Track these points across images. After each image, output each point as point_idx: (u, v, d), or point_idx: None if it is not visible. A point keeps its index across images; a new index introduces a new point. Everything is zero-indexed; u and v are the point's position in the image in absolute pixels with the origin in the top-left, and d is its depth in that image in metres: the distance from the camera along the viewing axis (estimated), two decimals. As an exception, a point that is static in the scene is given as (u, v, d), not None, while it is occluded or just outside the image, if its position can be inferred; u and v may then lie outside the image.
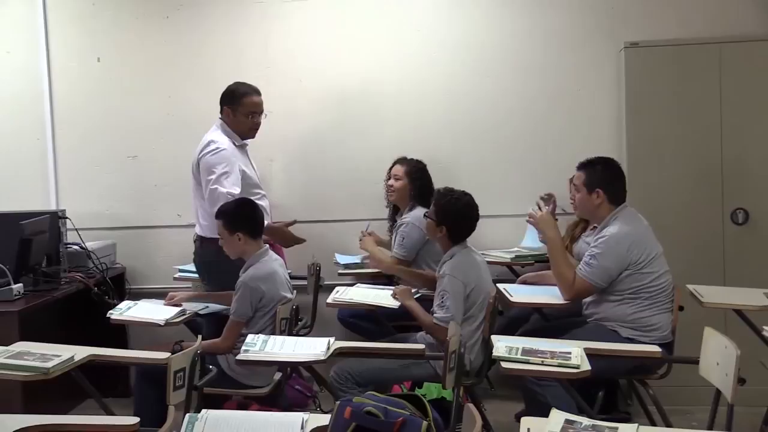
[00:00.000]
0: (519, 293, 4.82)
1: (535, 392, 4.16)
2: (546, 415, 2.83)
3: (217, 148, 5.09)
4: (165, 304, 4.88)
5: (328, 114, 6.08)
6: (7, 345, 3.84)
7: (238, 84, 5.31)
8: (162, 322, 4.58)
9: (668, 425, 4.11)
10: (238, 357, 3.83)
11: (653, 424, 4.32)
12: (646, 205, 4.94)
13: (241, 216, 4.71)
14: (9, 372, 3.52)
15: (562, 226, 5.17)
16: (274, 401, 4.73)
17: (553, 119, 6.01)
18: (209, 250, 5.07)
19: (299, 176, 6.02)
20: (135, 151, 6.29)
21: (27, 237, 5.06)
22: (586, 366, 3.48)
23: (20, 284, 4.99)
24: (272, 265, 4.68)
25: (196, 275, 5.59)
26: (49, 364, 3.51)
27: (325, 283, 5.63)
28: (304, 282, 5.51)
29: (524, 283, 5.12)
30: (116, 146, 6.29)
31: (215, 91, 6.05)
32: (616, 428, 2.70)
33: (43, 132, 6.30)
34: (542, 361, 3.50)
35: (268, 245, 4.80)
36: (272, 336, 4.06)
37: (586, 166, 4.65)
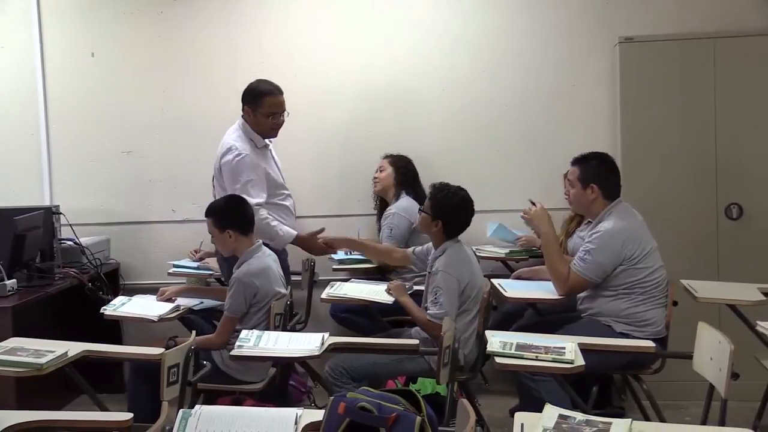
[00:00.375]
0: (513, 288, 4.82)
1: (530, 387, 4.16)
2: (540, 410, 2.83)
3: (239, 154, 5.01)
4: (157, 300, 4.87)
5: (324, 110, 6.07)
6: (0, 341, 3.83)
7: (259, 82, 5.19)
8: (155, 318, 4.58)
9: (662, 420, 4.12)
10: (232, 353, 3.83)
11: (647, 418, 4.33)
12: (640, 200, 4.94)
13: (231, 213, 4.70)
14: (2, 368, 3.52)
15: (557, 222, 5.16)
16: (271, 397, 4.73)
17: (547, 114, 6.01)
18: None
19: (294, 172, 5.97)
20: (129, 146, 6.27)
21: (21, 232, 5.05)
22: (580, 361, 3.48)
23: (14, 280, 4.98)
24: (266, 260, 4.68)
25: (190, 270, 5.59)
26: (43, 360, 3.51)
27: (320, 278, 5.64)
28: (299, 277, 5.51)
29: (518, 278, 5.12)
30: (110, 142, 6.28)
31: (210, 86, 6.10)
32: (610, 423, 2.70)
33: (37, 127, 6.28)
34: (536, 357, 3.50)
35: (261, 241, 4.80)
36: (266, 331, 4.05)
37: (580, 161, 4.65)
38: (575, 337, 3.83)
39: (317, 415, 2.77)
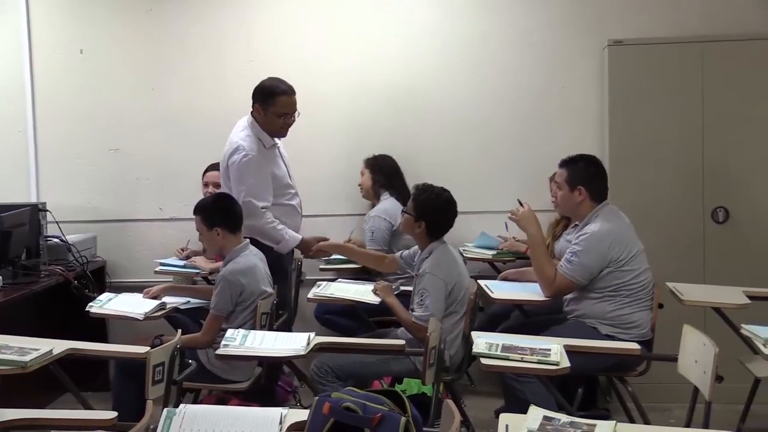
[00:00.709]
0: (500, 290, 4.83)
1: (515, 389, 4.16)
2: (525, 411, 2.83)
3: (246, 155, 4.93)
4: (143, 296, 4.86)
5: (312, 108, 6.02)
6: (-15, 338, 3.82)
7: (272, 81, 5.07)
8: (141, 317, 4.55)
9: (646, 422, 4.13)
10: (218, 351, 3.82)
11: (632, 421, 4.34)
12: (627, 203, 4.96)
13: (219, 211, 4.69)
14: (-14, 365, 3.50)
15: (544, 224, 5.17)
16: (257, 397, 4.72)
17: (536, 116, 6.02)
18: None
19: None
20: (117, 144, 6.26)
21: (6, 229, 5.02)
22: (566, 363, 3.48)
23: (-1, 277, 4.97)
24: (252, 259, 4.67)
25: (177, 268, 5.58)
26: (27, 358, 3.48)
27: (307, 278, 5.64)
28: (287, 276, 5.51)
29: (505, 279, 5.13)
30: (98, 139, 6.26)
31: (198, 84, 6.09)
32: (594, 425, 2.70)
33: (24, 124, 6.26)
34: (522, 358, 3.51)
35: (248, 239, 4.80)
36: (252, 331, 4.05)
37: (568, 163, 4.66)
38: (561, 339, 3.84)
39: (302, 414, 2.77)
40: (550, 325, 4.51)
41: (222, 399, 4.77)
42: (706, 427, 3.29)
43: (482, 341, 3.67)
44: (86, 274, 5.50)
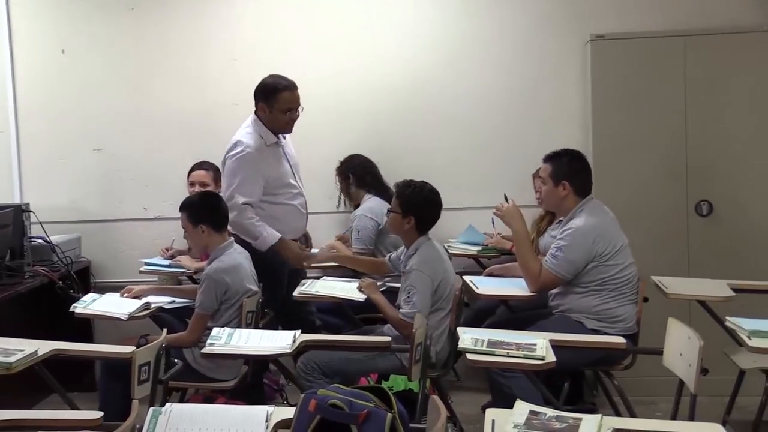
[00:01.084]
0: (485, 285, 4.83)
1: (501, 384, 4.17)
2: (512, 406, 2.83)
3: (241, 151, 4.94)
4: (121, 296, 4.85)
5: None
6: (-31, 340, 3.80)
7: (274, 78, 5.09)
8: (125, 317, 4.54)
9: (633, 416, 4.15)
10: (203, 350, 3.82)
11: (618, 414, 4.36)
12: (611, 197, 4.96)
13: (205, 209, 4.70)
14: (-29, 367, 3.49)
15: (529, 220, 5.18)
16: (245, 395, 4.72)
17: (519, 112, 6.02)
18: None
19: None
20: (100, 143, 6.23)
21: (-10, 231, 5.01)
22: (551, 357, 3.49)
23: (-17, 278, 4.95)
24: (236, 257, 4.67)
25: (162, 268, 5.57)
26: (12, 359, 3.47)
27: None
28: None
29: (491, 275, 5.14)
30: (81, 139, 6.23)
31: (181, 83, 6.08)
32: (580, 419, 2.71)
33: (6, 124, 6.22)
34: (507, 353, 3.51)
35: (233, 238, 4.79)
36: (238, 329, 4.04)
37: (552, 158, 4.66)
38: (546, 334, 3.84)
39: (288, 412, 2.77)
40: (535, 320, 4.52)
41: (209, 398, 4.77)
42: (691, 419, 3.30)
43: (468, 337, 3.67)
44: (71, 275, 5.48)
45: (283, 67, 5.88)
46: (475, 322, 4.87)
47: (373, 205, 5.66)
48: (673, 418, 3.68)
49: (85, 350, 4.12)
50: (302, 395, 2.71)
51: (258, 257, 4.85)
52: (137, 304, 4.68)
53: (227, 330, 3.95)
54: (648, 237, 5.41)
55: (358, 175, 5.79)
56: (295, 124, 5.14)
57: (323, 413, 2.59)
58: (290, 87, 5.04)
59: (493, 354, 3.53)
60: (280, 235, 5.00)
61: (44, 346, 3.72)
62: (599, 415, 2.74)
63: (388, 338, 4.20)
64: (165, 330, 3.94)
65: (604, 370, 4.50)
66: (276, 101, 5.00)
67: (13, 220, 5.34)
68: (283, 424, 2.76)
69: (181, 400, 4.75)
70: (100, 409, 3.34)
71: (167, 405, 2.79)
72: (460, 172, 6.00)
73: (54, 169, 6.25)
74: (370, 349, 4.32)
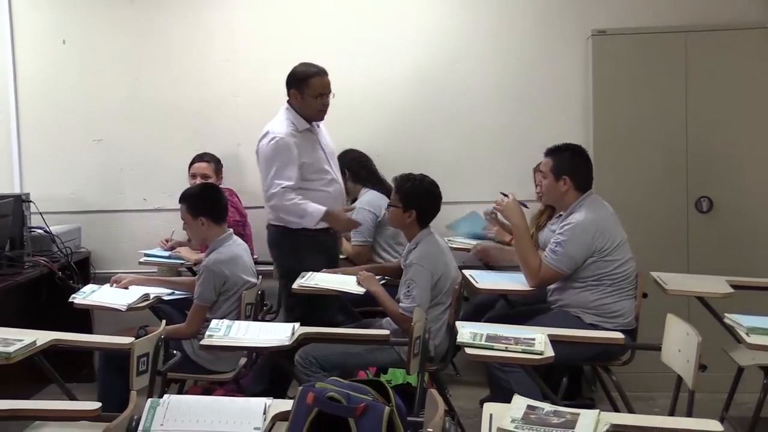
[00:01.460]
0: (485, 280, 4.83)
1: (499, 378, 4.17)
2: (510, 400, 2.84)
3: (272, 138, 4.95)
4: (110, 286, 4.85)
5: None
6: (-32, 330, 3.80)
7: (304, 65, 5.11)
8: (123, 308, 4.54)
9: (631, 411, 4.15)
10: (202, 342, 3.82)
11: (616, 410, 4.35)
12: (611, 193, 4.96)
13: (204, 200, 4.72)
14: (-30, 357, 3.49)
15: (528, 214, 5.17)
16: (239, 386, 4.73)
17: (520, 106, 6.02)
18: (272, 234, 5.10)
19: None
20: (100, 134, 6.23)
21: (-10, 220, 5.01)
22: (550, 352, 3.49)
23: (-17, 268, 4.95)
24: (235, 249, 4.68)
25: (161, 259, 5.57)
26: (11, 349, 3.47)
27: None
28: (271, 267, 5.50)
29: (486, 254, 5.15)
30: (81, 130, 6.23)
31: (182, 73, 6.08)
32: (578, 414, 2.71)
33: (7, 115, 6.22)
34: (506, 348, 3.51)
35: (232, 230, 4.80)
36: (236, 321, 4.04)
37: (554, 152, 4.65)
38: (545, 329, 3.84)
39: (287, 405, 2.77)
40: (534, 315, 4.52)
41: (208, 389, 4.78)
42: (689, 415, 3.29)
43: (467, 331, 3.67)
44: (71, 265, 5.49)
45: (284, 60, 5.88)
46: (474, 316, 4.88)
47: (371, 198, 5.66)
48: (671, 414, 3.68)
49: (84, 341, 4.13)
50: (300, 388, 2.71)
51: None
52: (136, 295, 4.68)
53: (226, 322, 3.95)
54: (648, 233, 5.41)
55: (353, 170, 5.78)
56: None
57: (321, 406, 2.59)
58: (320, 73, 5.07)
59: (491, 348, 3.53)
60: (324, 208, 4.97)
61: (43, 337, 3.72)
62: (597, 411, 2.74)
63: (386, 331, 4.20)
64: (164, 321, 3.94)
65: (602, 366, 4.50)
66: (307, 87, 5.03)
67: (13, 210, 5.34)
68: (281, 416, 2.76)
69: (180, 392, 4.76)
70: (98, 400, 3.34)
71: (165, 396, 2.80)
72: (461, 165, 5.99)
73: (54, 159, 6.25)
74: (368, 342, 4.32)
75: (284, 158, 4.93)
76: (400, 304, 4.42)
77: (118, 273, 5.09)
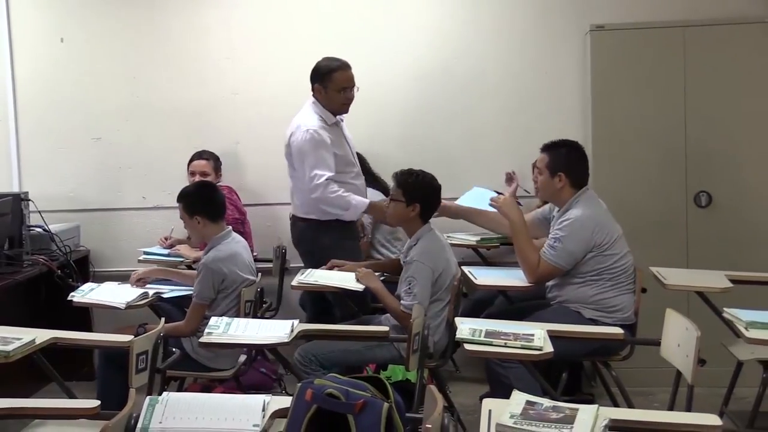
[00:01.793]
0: (483, 276, 4.84)
1: (499, 374, 4.16)
2: (509, 396, 2.84)
3: (306, 131, 4.97)
4: (131, 285, 4.84)
5: (294, 98, 6.02)
6: (-32, 329, 3.80)
7: (326, 60, 5.15)
8: (122, 306, 4.54)
9: (630, 406, 4.15)
10: (201, 340, 3.81)
11: (616, 405, 4.35)
12: (610, 188, 4.98)
13: (200, 199, 4.71)
14: (-31, 355, 3.49)
15: (526, 210, 5.17)
16: (239, 384, 4.73)
17: (519, 103, 6.01)
18: (301, 228, 5.13)
19: (264, 158, 5.96)
20: (99, 132, 6.22)
21: (-11, 219, 5.01)
22: (549, 348, 3.49)
23: (-18, 267, 4.95)
24: (234, 246, 4.68)
25: (161, 257, 5.57)
26: (10, 348, 3.47)
27: (291, 265, 5.63)
28: (270, 265, 5.51)
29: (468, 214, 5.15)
30: (80, 128, 6.22)
31: (180, 71, 6.07)
32: (577, 409, 2.71)
33: (5, 113, 6.21)
34: (505, 343, 3.51)
35: (230, 227, 4.80)
36: (236, 319, 4.04)
37: (550, 148, 4.65)
38: (544, 324, 3.84)
39: (285, 402, 2.77)
40: (533, 311, 4.51)
41: (207, 387, 4.78)
42: (689, 410, 3.30)
43: (466, 327, 3.67)
44: (69, 264, 5.49)
45: (283, 59, 5.92)
46: (474, 312, 4.87)
47: (370, 195, 5.65)
48: (671, 408, 3.68)
49: (84, 339, 4.12)
50: (298, 385, 2.71)
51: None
52: (136, 293, 4.69)
53: (225, 319, 3.95)
54: (647, 228, 5.42)
55: None
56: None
57: (320, 402, 2.60)
58: (343, 66, 5.10)
59: (491, 344, 3.53)
60: (368, 200, 5.03)
61: (42, 335, 3.72)
62: (595, 406, 2.74)
63: (385, 328, 4.19)
64: (163, 319, 3.95)
65: (602, 361, 4.49)
66: (330, 81, 5.06)
67: (12, 208, 5.34)
68: (280, 413, 2.76)
69: (180, 389, 4.76)
70: (98, 398, 3.33)
71: (164, 394, 2.80)
72: (458, 161, 5.99)
73: (53, 158, 6.24)
74: (367, 338, 4.32)
75: (321, 149, 4.95)
76: (402, 301, 4.42)
77: (117, 271, 5.10)
